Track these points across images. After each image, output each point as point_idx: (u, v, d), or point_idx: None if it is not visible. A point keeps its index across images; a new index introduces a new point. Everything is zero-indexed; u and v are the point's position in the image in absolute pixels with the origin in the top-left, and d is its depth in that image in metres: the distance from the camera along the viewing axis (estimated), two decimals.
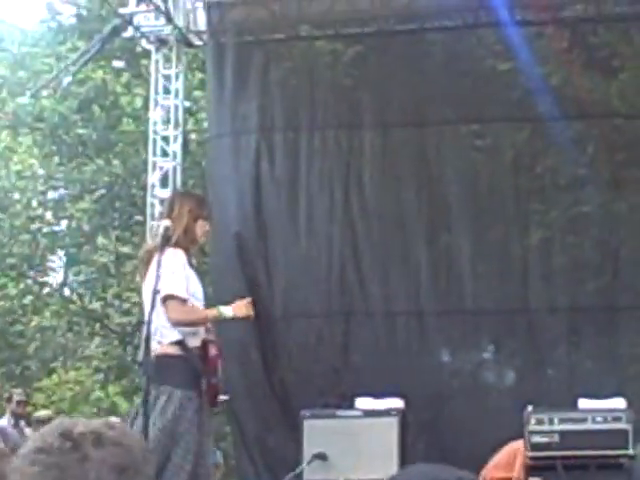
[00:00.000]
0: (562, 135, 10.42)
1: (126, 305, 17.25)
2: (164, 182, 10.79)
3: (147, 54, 11.59)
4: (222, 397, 7.64)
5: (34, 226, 18.78)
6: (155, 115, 10.96)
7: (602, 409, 7.81)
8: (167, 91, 10.98)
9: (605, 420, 7.73)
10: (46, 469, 2.12)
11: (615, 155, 10.62)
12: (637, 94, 10.69)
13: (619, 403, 7.86)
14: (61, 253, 19.90)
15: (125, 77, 15.86)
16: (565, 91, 10.52)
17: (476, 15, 10.47)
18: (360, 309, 10.44)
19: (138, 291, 8.26)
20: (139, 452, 2.28)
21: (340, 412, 8.59)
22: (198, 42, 11.24)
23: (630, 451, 7.44)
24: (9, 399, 13.50)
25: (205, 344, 7.37)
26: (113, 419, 2.36)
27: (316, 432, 8.39)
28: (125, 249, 17.56)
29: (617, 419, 7.70)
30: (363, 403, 8.48)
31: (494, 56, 10.54)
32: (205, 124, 13.44)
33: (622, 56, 10.55)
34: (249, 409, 10.30)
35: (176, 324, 7.17)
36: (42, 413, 14.08)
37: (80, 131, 17.66)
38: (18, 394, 13.68)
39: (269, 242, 10.49)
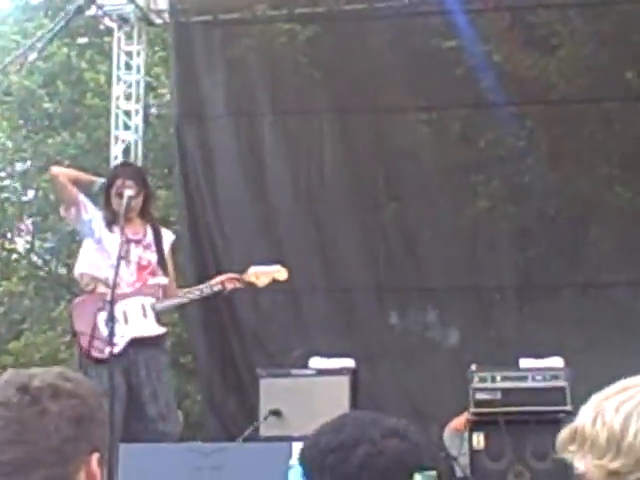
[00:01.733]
0: (503, 110, 10.80)
1: None
2: (126, 154, 10.84)
3: (110, 32, 11.72)
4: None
5: (3, 195, 19.01)
6: (117, 90, 11.03)
7: (541, 368, 7.98)
8: (129, 67, 10.96)
9: (544, 378, 7.90)
10: (6, 424, 2.11)
11: (552, 129, 10.93)
12: (574, 71, 10.85)
13: (557, 362, 8.05)
14: (29, 221, 19.76)
15: (89, 54, 15.77)
16: (506, 68, 10.72)
17: None
18: (316, 278, 10.70)
19: None
20: (93, 401, 2.28)
21: (294, 371, 8.69)
22: (159, 20, 11.23)
23: (567, 407, 7.60)
24: None
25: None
26: (67, 370, 2.40)
27: (272, 390, 8.53)
28: None
29: (555, 377, 7.89)
30: (316, 363, 8.61)
31: (440, 35, 10.66)
32: (165, 99, 13.79)
33: (560, 35, 10.81)
34: (211, 371, 10.51)
35: None
36: None
37: (46, 105, 17.50)
38: None
39: (227, 214, 10.71)
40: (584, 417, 2.21)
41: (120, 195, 7.60)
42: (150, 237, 7.82)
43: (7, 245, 19.79)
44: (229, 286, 7.72)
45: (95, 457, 2.23)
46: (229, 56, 10.87)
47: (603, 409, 2.16)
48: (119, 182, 7.68)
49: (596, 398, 2.23)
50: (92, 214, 7.74)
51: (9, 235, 20.12)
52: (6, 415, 2.15)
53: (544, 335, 9.67)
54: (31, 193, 19.79)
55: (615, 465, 2.04)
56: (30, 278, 18.78)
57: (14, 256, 20.09)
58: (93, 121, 14.00)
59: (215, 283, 7.83)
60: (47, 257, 20.23)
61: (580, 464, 2.12)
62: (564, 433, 2.24)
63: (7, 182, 19.38)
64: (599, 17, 11.08)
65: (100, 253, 7.69)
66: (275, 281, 7.72)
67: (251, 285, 7.74)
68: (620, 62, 10.73)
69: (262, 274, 7.69)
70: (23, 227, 18.82)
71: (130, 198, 7.60)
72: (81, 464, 2.19)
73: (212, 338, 10.03)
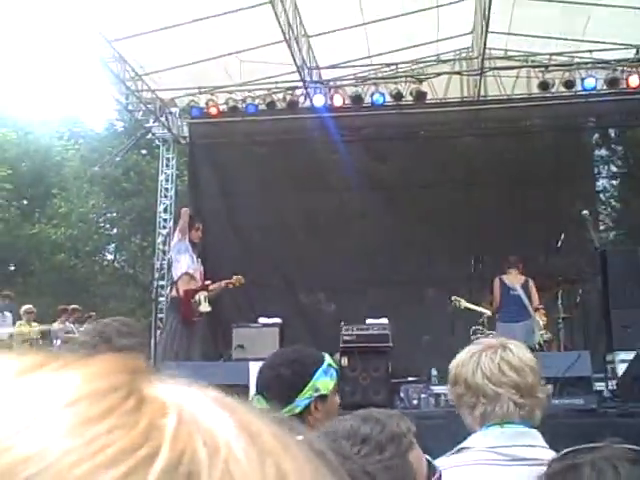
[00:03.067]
0: (359, 192, 11.69)
1: None
2: (165, 212, 12.11)
3: (158, 146, 13.06)
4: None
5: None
6: (161, 177, 12.25)
7: (376, 323, 8.16)
8: (167, 165, 12.33)
9: (378, 328, 8.03)
10: (91, 346, 2.16)
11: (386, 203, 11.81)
12: (399, 175, 11.89)
13: (385, 320, 8.21)
14: None
15: (147, 159, 16.24)
16: (364, 171, 11.79)
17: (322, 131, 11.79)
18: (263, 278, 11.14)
19: None
20: (142, 337, 2.40)
21: (251, 324, 9.03)
22: (183, 141, 12.51)
23: (390, 344, 7.80)
24: None
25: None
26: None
27: (239, 335, 8.83)
28: None
29: (384, 328, 8.05)
30: (262, 320, 9.07)
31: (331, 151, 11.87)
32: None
33: (390, 149, 12.14)
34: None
35: None
36: None
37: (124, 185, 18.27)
38: None
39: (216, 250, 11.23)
40: (458, 367, 2.22)
41: (197, 230, 8.46)
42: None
43: None
44: (229, 285, 8.59)
45: None
46: (219, 161, 12.09)
47: (462, 366, 2.19)
48: (196, 224, 8.54)
49: (459, 356, 2.26)
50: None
51: None
52: (89, 350, 2.11)
53: (377, 307, 9.57)
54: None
55: (459, 391, 2.17)
56: None
57: None
58: (149, 194, 14.47)
59: (222, 284, 8.52)
60: None
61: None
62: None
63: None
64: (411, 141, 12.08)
65: (191, 262, 8.27)
66: (240, 284, 8.72)
67: (233, 285, 8.59)
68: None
69: (237, 280, 8.54)
70: None
71: (200, 237, 8.57)
72: None
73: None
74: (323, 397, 2.38)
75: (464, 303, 8.91)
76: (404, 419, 1.58)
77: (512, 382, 2.08)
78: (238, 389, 5.42)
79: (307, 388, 2.36)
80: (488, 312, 9.03)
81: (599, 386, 7.02)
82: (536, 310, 9.04)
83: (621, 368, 7.23)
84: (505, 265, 9.35)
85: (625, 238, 12.12)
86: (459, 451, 2.09)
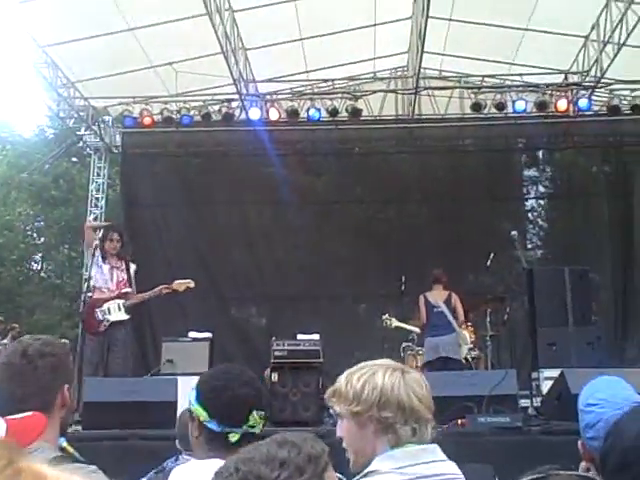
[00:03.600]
0: (290, 205, 11.78)
1: None
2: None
3: (89, 155, 12.92)
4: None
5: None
6: (92, 187, 12.01)
7: (308, 339, 8.04)
8: (99, 175, 12.04)
9: (309, 344, 7.91)
10: (12, 376, 2.16)
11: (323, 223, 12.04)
12: (334, 189, 12.21)
13: (316, 336, 8.09)
14: None
15: (77, 167, 15.91)
16: (298, 186, 11.97)
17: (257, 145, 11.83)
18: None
19: None
20: (64, 356, 2.28)
21: (181, 338, 8.77)
22: (115, 150, 12.31)
23: (320, 360, 7.71)
24: None
25: None
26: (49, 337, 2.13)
27: (169, 349, 8.58)
28: None
29: (315, 344, 7.91)
30: (192, 334, 8.84)
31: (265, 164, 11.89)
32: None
33: (323, 167, 12.53)
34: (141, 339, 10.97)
35: None
36: None
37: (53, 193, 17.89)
38: None
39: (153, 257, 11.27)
40: (340, 382, 2.22)
41: (111, 241, 8.07)
42: (124, 266, 8.16)
43: None
44: (164, 292, 8.04)
45: (66, 387, 2.23)
46: (152, 172, 12.05)
47: (351, 378, 2.21)
48: (110, 235, 8.13)
49: (347, 371, 2.25)
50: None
51: None
52: (13, 371, 2.17)
53: (309, 322, 9.90)
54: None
55: (357, 409, 2.15)
56: None
57: None
58: (79, 203, 13.83)
59: (155, 290, 8.08)
60: None
61: (337, 408, 2.18)
62: (329, 391, 2.25)
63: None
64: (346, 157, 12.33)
65: (100, 274, 8.01)
66: (187, 289, 8.03)
67: (175, 291, 8.01)
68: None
69: (181, 284, 7.98)
70: None
71: (113, 246, 8.10)
72: (58, 392, 2.20)
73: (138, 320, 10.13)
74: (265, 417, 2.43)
75: (395, 322, 8.99)
76: (317, 441, 1.59)
77: (431, 403, 2.16)
78: (164, 406, 5.51)
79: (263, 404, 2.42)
80: (417, 330, 9.17)
81: (525, 403, 7.18)
82: (461, 325, 9.17)
83: (546, 386, 7.32)
84: (430, 280, 9.46)
85: (552, 257, 12.33)
86: (366, 475, 2.09)
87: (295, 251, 11.86)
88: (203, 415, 2.35)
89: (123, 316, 7.93)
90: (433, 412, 2.19)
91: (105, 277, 7.94)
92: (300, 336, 8.18)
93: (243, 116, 11.49)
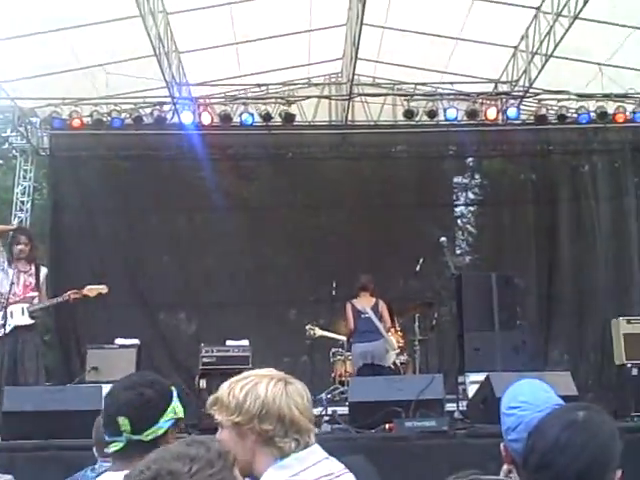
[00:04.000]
0: (222, 210, 11.58)
1: None
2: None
3: (15, 157, 12.26)
4: None
5: None
6: (18, 189, 11.57)
7: (237, 345, 8.39)
8: (25, 178, 11.70)
9: (239, 350, 8.27)
10: None
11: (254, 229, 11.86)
12: (266, 195, 12.21)
13: (245, 342, 8.45)
14: None
15: (2, 170, 15.65)
16: (230, 191, 12.00)
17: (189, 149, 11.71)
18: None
19: None
20: None
21: (106, 345, 8.76)
22: (43, 153, 11.94)
23: (249, 365, 7.75)
24: None
25: None
26: None
27: (94, 356, 8.56)
28: None
29: (244, 350, 8.30)
30: (119, 341, 8.85)
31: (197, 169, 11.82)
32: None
33: (256, 172, 12.44)
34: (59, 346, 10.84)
35: None
36: None
37: None
38: None
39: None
40: (222, 391, 2.19)
41: (19, 244, 7.87)
42: (32, 269, 7.96)
43: None
44: (73, 297, 7.72)
45: None
46: (81, 175, 11.71)
47: (233, 388, 2.19)
48: (18, 238, 7.99)
49: (230, 380, 2.23)
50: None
51: None
52: None
53: (239, 328, 9.81)
54: None
55: (238, 419, 2.13)
56: None
57: None
58: (4, 206, 13.74)
59: (64, 295, 7.80)
60: None
61: (219, 417, 2.16)
62: (211, 399, 2.21)
63: None
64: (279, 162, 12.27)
65: (6, 279, 7.70)
66: (100, 294, 7.76)
67: (85, 297, 7.74)
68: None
69: (93, 290, 7.73)
70: None
71: (21, 249, 7.87)
72: None
73: (62, 327, 10.49)
74: (178, 422, 2.40)
75: (319, 331, 9.11)
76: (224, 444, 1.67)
77: (312, 414, 2.19)
78: (88, 415, 5.06)
79: (169, 410, 2.37)
80: (342, 338, 9.27)
81: (451, 407, 7.25)
82: (388, 330, 9.27)
83: (472, 390, 7.44)
84: (356, 287, 9.52)
85: (480, 263, 12.52)
86: None
87: (226, 256, 11.70)
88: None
89: (27, 320, 7.64)
90: (314, 422, 2.21)
91: (10, 281, 7.55)
92: (229, 342, 8.36)
93: (175, 119, 11.35)
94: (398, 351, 9.16)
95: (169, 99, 11.04)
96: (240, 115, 11.36)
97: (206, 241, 11.76)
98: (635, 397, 8.50)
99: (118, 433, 2.31)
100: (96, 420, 3.24)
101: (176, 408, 2.39)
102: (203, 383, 7.65)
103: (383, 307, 9.44)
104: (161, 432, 2.33)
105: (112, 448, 2.32)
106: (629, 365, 8.96)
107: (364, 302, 9.38)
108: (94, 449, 3.76)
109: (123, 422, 2.31)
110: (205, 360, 7.90)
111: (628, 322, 9.10)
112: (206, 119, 11.34)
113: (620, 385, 9.25)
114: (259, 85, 11.71)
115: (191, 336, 11.26)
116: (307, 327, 9.11)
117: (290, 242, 11.91)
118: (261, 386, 2.14)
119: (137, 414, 2.32)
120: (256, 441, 2.09)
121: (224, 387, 2.17)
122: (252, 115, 11.34)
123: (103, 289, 7.76)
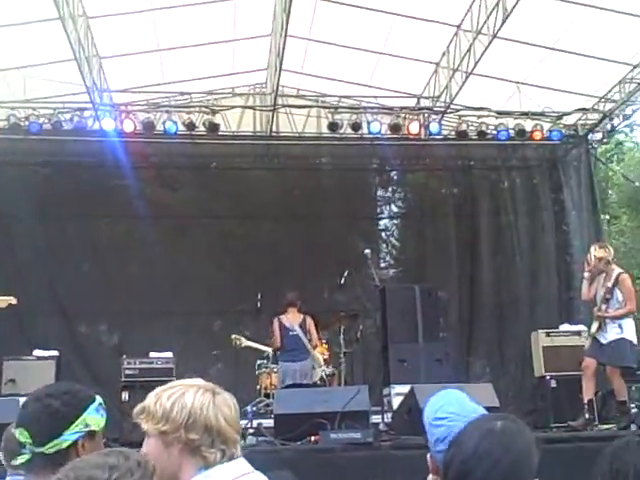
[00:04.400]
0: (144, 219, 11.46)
1: None
2: None
3: None
4: None
5: None
6: None
7: (160, 357, 8.55)
8: None
9: (162, 362, 8.44)
10: None
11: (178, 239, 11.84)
12: (190, 204, 11.94)
13: (169, 354, 8.63)
14: None
15: None
16: (153, 200, 11.73)
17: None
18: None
19: None
20: None
21: (24, 357, 8.70)
22: None
23: (173, 377, 7.72)
24: None
25: None
26: None
27: (11, 368, 8.48)
28: None
29: (167, 362, 8.49)
30: (37, 352, 8.84)
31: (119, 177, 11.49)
32: None
33: (179, 182, 12.10)
34: None
35: None
36: None
37: None
38: None
39: None
40: (149, 400, 2.16)
41: None
42: None
43: None
44: None
45: None
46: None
47: (160, 397, 2.15)
48: None
49: (157, 389, 2.19)
50: None
51: None
52: None
53: (163, 340, 9.86)
54: None
55: (164, 428, 2.10)
56: None
57: None
58: None
59: None
60: None
61: (145, 426, 2.12)
62: (137, 408, 2.17)
63: None
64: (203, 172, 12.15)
65: None
66: (9, 305, 7.30)
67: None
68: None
69: (1, 300, 7.35)
70: None
71: None
72: None
73: None
74: (92, 434, 2.30)
75: (244, 342, 9.07)
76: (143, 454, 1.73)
77: (239, 425, 2.16)
78: (4, 428, 5.27)
79: (78, 422, 2.27)
80: (268, 350, 9.22)
81: (376, 419, 7.35)
82: (315, 347, 9.29)
83: (396, 401, 7.54)
84: (284, 303, 9.50)
85: (403, 275, 12.66)
86: None
87: (149, 266, 11.53)
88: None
89: None
90: (240, 432, 2.20)
91: None
92: (153, 354, 8.46)
93: (96, 126, 11.13)
94: (324, 367, 9.16)
95: (90, 105, 10.79)
96: (163, 123, 11.22)
97: (129, 250, 11.61)
98: (554, 408, 8.87)
99: (23, 445, 2.25)
100: (6, 431, 3.13)
101: (88, 420, 2.30)
102: (125, 396, 7.70)
103: (310, 323, 9.45)
104: (66, 445, 2.25)
105: (18, 460, 2.26)
106: (548, 377, 9.28)
107: (292, 319, 9.38)
108: (3, 461, 3.66)
109: (22, 434, 2.26)
110: (127, 372, 7.97)
111: (547, 335, 9.39)
112: (128, 127, 11.13)
113: (540, 397, 9.55)
114: (183, 93, 11.67)
115: (113, 348, 11.07)
116: (233, 337, 9.07)
117: (215, 252, 11.84)
118: (188, 395, 2.11)
119: (38, 426, 2.25)
120: (182, 450, 2.06)
121: (151, 396, 2.14)
122: (175, 124, 11.21)
123: (12, 300, 7.40)
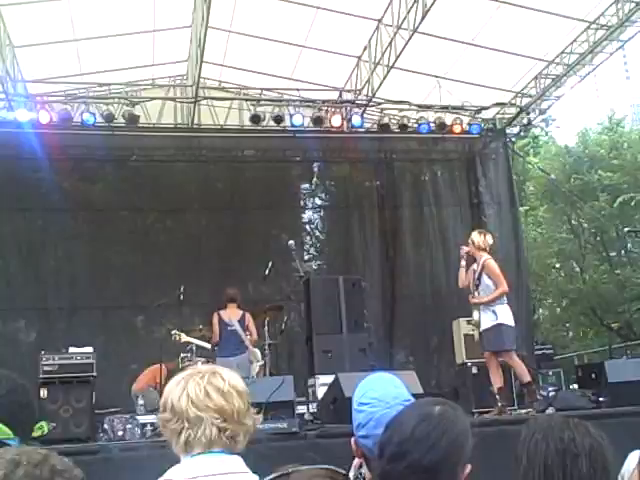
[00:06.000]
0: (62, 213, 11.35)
1: None
2: None
3: None
4: None
5: None
6: None
7: (80, 352, 7.90)
8: None
9: (80, 358, 7.82)
10: None
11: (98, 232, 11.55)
12: (110, 197, 11.69)
13: (90, 349, 7.96)
14: None
15: None
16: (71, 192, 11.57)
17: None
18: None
19: None
20: None
21: None
22: None
23: (93, 373, 7.72)
24: None
25: None
26: None
27: None
28: None
29: (88, 357, 7.86)
30: None
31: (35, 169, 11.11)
32: None
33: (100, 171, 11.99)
34: None
35: None
36: None
37: None
38: None
39: None
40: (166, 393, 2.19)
41: None
42: None
43: None
44: None
45: None
46: None
47: (170, 391, 2.16)
48: None
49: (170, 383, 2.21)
50: None
51: None
52: None
53: (83, 335, 9.63)
54: None
55: (165, 416, 2.13)
56: None
57: None
58: None
59: None
60: None
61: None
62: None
63: None
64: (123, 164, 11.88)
65: None
66: None
67: None
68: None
69: None
70: None
71: None
72: None
73: None
74: None
75: (184, 337, 8.92)
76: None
77: (217, 406, 2.06)
78: None
79: None
80: (208, 346, 9.10)
81: (302, 409, 7.46)
82: (254, 343, 9.21)
83: (321, 391, 7.63)
84: (224, 299, 9.48)
85: (327, 267, 12.82)
86: None
87: (68, 260, 11.29)
88: None
89: None
90: (225, 414, 2.09)
91: None
92: (72, 349, 8.00)
93: (11, 117, 10.75)
94: (262, 362, 9.12)
95: (3, 95, 10.51)
96: (81, 115, 10.97)
97: (46, 244, 11.33)
98: (475, 394, 9.08)
99: None
100: None
101: None
102: (44, 392, 7.23)
103: (249, 319, 9.47)
104: None
105: None
106: (469, 364, 9.57)
107: (231, 314, 9.38)
108: None
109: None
110: (46, 368, 7.49)
111: (468, 323, 9.24)
112: (44, 118, 10.81)
113: (461, 383, 9.82)
114: (101, 84, 11.44)
115: (31, 344, 10.72)
116: (172, 332, 8.92)
117: (136, 245, 11.70)
118: (173, 380, 2.13)
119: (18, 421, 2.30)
120: (166, 434, 2.08)
121: (169, 387, 2.14)
122: (94, 115, 10.99)
123: None
